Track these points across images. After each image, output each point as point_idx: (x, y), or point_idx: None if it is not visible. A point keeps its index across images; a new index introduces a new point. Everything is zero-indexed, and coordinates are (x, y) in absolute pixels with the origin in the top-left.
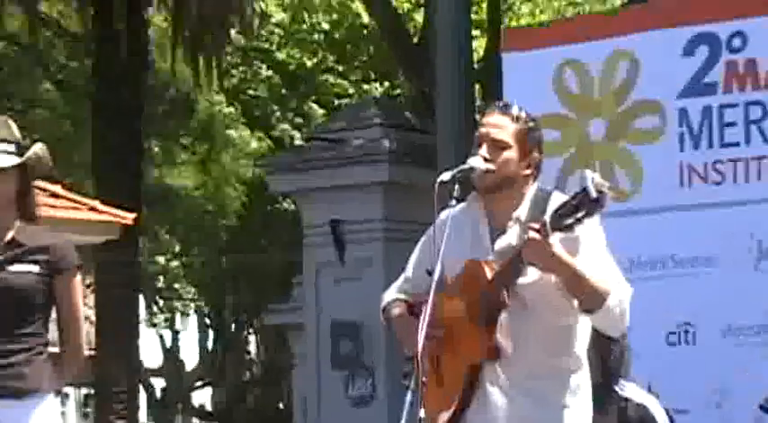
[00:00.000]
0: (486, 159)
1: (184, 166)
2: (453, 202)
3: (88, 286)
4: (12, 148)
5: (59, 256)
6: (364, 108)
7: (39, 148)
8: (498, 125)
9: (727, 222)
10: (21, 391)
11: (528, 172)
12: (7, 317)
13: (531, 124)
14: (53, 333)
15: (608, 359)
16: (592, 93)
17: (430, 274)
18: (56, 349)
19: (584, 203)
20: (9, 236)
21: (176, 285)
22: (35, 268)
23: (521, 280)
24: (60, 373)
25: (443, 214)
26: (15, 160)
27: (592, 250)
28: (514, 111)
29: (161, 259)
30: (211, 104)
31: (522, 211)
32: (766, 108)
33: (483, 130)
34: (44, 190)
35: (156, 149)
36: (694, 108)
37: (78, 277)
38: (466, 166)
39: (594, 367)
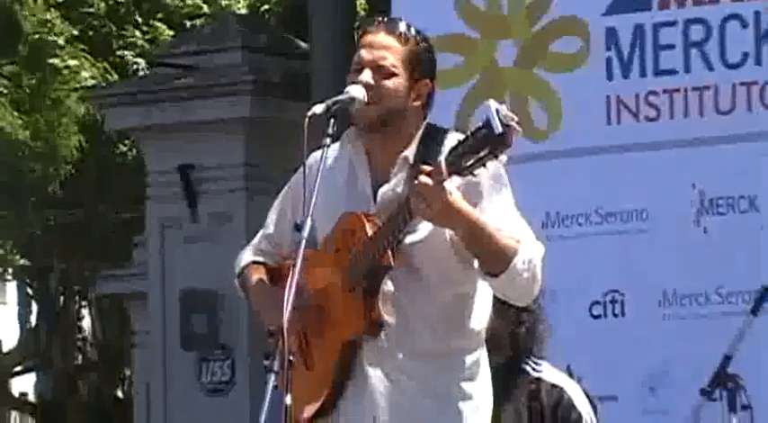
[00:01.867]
0: (368, 87)
1: (3, 99)
2: (327, 140)
3: None
4: None
5: None
6: (222, 26)
7: None
8: (383, 46)
9: (662, 168)
10: None
11: (418, 103)
12: None
13: (423, 45)
14: None
15: (517, 333)
16: (500, 8)
17: (298, 229)
18: None
19: (488, 140)
20: None
21: None
22: None
23: (408, 237)
24: None
25: (315, 155)
26: None
27: (495, 199)
28: (402, 28)
29: None
30: (42, 23)
31: (410, 152)
32: (710, 27)
33: (364, 52)
34: None
35: None
36: (624, 27)
37: None
38: (344, 97)
39: (499, 343)
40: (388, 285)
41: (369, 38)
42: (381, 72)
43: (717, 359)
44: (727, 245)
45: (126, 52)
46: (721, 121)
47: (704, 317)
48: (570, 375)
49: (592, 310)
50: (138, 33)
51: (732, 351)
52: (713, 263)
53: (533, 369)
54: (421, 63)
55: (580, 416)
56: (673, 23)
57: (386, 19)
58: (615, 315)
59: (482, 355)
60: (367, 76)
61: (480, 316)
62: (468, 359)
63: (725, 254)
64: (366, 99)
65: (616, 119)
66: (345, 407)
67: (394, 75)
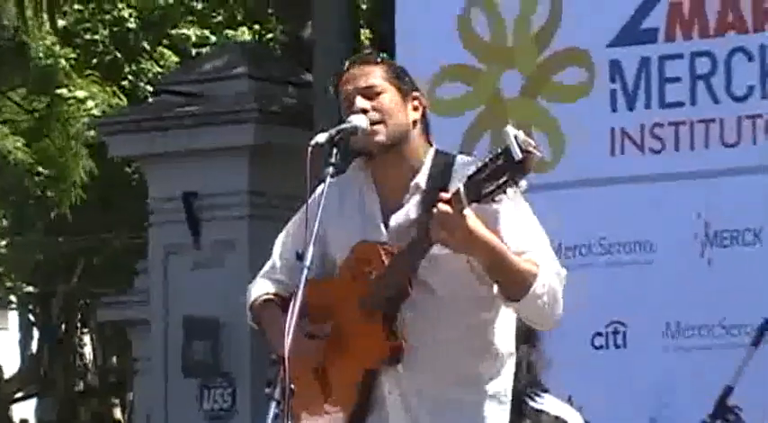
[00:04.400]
0: (366, 112)
1: (14, 125)
2: (330, 169)
3: None
4: None
5: None
6: (226, 55)
7: None
8: (363, 73)
9: (667, 200)
10: None
11: (416, 116)
12: None
13: (396, 66)
14: None
15: (518, 364)
16: (505, 39)
17: (299, 258)
18: None
19: (507, 167)
20: None
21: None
22: None
23: (425, 264)
24: None
25: (320, 187)
26: None
27: (515, 224)
28: (371, 55)
29: None
30: (50, 50)
31: (422, 178)
32: (716, 60)
33: (348, 87)
34: None
35: None
36: (629, 59)
37: None
38: (346, 126)
39: None
40: (405, 311)
41: (345, 76)
42: (372, 93)
43: (719, 391)
44: (732, 277)
45: (136, 79)
46: (727, 153)
47: (707, 349)
48: (571, 405)
49: (594, 341)
50: (148, 64)
51: (733, 382)
52: (717, 295)
53: (535, 401)
54: (401, 77)
55: None
56: (679, 56)
57: (357, 56)
58: (617, 346)
59: (506, 382)
60: (361, 102)
61: (505, 341)
62: (492, 385)
63: (729, 286)
64: (368, 124)
65: (620, 150)
66: None
67: (384, 91)
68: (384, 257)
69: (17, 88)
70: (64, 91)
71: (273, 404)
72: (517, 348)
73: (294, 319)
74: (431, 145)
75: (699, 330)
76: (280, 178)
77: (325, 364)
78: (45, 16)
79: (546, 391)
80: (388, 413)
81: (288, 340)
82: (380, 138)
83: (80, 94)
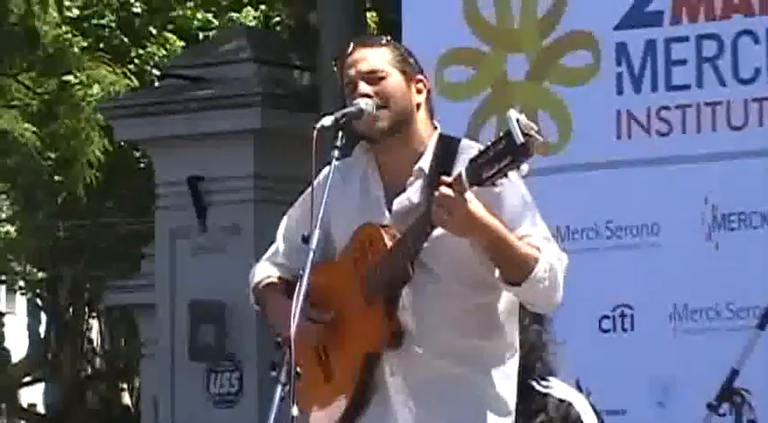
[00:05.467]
0: (370, 96)
1: (24, 109)
2: (336, 152)
3: None
4: None
5: None
6: (232, 39)
7: None
8: (366, 56)
9: (674, 183)
10: None
11: (420, 99)
12: None
13: (399, 45)
14: None
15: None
16: (511, 22)
17: (305, 241)
18: None
19: (509, 150)
20: None
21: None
22: None
23: (427, 246)
24: None
25: (325, 171)
26: None
27: (516, 208)
28: (376, 39)
29: None
30: (59, 36)
31: (425, 162)
32: (722, 43)
33: (350, 71)
34: None
35: None
36: (635, 42)
37: None
38: (352, 109)
39: None
40: (406, 293)
41: (348, 59)
42: (375, 77)
43: (725, 374)
44: (739, 260)
45: (142, 63)
46: (734, 136)
47: (714, 331)
48: (579, 390)
49: (601, 325)
50: (154, 48)
51: (739, 365)
52: (724, 278)
53: (541, 384)
54: (405, 59)
55: None
56: (685, 39)
57: (359, 39)
58: (624, 329)
59: (512, 366)
60: (364, 87)
61: (508, 323)
62: (497, 371)
63: (736, 269)
64: (374, 108)
65: (626, 133)
66: (366, 418)
67: (387, 76)
68: (386, 240)
69: (26, 72)
70: (71, 78)
71: (279, 387)
72: (527, 329)
73: (301, 302)
74: (435, 128)
75: (706, 313)
76: (285, 162)
77: (327, 347)
78: (52, 3)
79: (552, 374)
80: (390, 396)
81: (293, 323)
82: (383, 123)
83: (85, 78)
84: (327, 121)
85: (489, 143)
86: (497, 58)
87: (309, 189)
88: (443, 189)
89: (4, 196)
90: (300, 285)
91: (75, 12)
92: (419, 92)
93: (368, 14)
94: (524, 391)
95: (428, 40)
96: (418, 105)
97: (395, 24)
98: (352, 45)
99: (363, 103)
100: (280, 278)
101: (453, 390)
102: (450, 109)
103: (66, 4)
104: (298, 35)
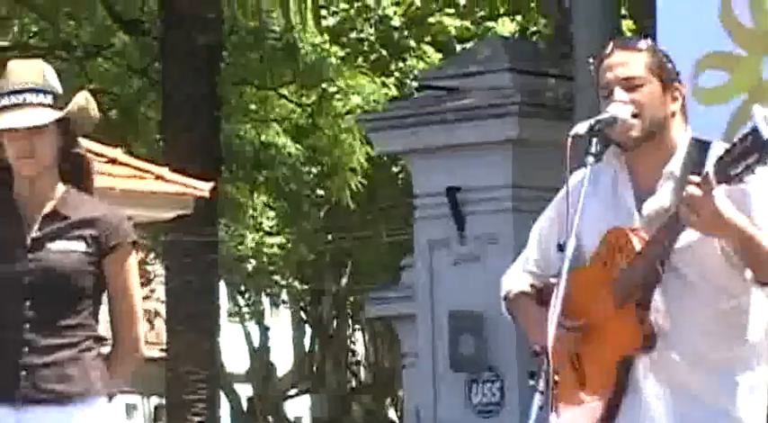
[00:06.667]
0: (626, 104)
1: (285, 122)
2: (590, 159)
3: (151, 277)
4: (48, 99)
5: (109, 230)
6: (489, 50)
7: (82, 98)
8: (624, 62)
9: None
10: (64, 396)
11: (675, 107)
12: (48, 305)
13: (659, 51)
14: (104, 323)
15: None
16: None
17: (561, 249)
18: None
19: (756, 146)
20: (49, 207)
21: (271, 270)
22: (81, 246)
23: (676, 249)
24: (114, 373)
25: (577, 175)
26: (53, 114)
27: (765, 205)
28: (633, 40)
29: (249, 238)
30: (317, 47)
31: (675, 166)
32: None
33: (608, 75)
34: (101, 155)
35: (252, 104)
36: None
37: (134, 256)
38: (606, 116)
39: None
40: (657, 295)
41: (606, 61)
42: (632, 85)
43: None
44: None
45: (402, 76)
46: None
47: None
48: None
49: None
50: (413, 61)
51: None
52: None
53: None
54: (663, 65)
55: None
56: None
57: (619, 40)
58: None
59: (761, 372)
60: (620, 94)
61: (758, 327)
62: (745, 375)
63: None
64: (629, 116)
65: None
66: (622, 419)
67: (645, 83)
68: (635, 243)
69: (287, 85)
70: (330, 88)
71: (537, 395)
72: None
73: (558, 309)
74: (687, 131)
75: None
76: (542, 171)
77: (580, 354)
78: (309, 15)
79: None
80: (643, 399)
81: (551, 331)
82: (636, 133)
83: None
84: (581, 128)
85: (736, 140)
86: (754, 62)
87: (560, 195)
88: (691, 188)
89: (268, 208)
90: (557, 294)
91: (332, 20)
92: (674, 100)
93: (623, 22)
94: None
95: (684, 45)
96: (673, 113)
97: (650, 32)
98: (611, 46)
99: (618, 111)
100: (532, 286)
101: (702, 396)
102: (705, 113)
103: (323, 13)
104: (554, 44)
